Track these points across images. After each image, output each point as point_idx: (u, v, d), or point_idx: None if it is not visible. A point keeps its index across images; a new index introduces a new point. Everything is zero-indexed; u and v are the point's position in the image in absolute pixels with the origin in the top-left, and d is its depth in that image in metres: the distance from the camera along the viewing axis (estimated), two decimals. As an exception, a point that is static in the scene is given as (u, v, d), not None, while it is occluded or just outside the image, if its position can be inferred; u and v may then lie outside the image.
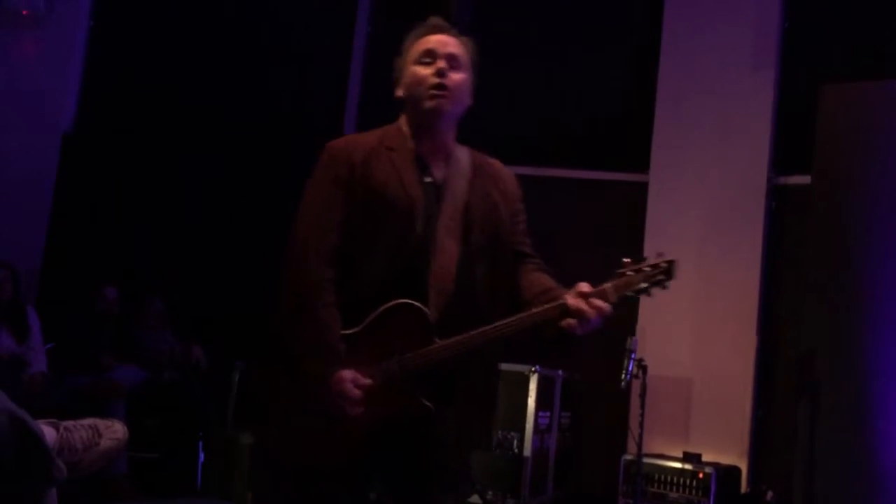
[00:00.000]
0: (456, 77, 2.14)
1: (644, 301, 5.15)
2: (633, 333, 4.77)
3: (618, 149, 5.75)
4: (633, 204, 5.54)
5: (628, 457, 4.67)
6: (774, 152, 5.36)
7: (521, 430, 4.63)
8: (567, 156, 5.79)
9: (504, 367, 4.73)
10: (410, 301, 2.03)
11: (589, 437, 5.37)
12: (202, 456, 4.70)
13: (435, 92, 2.11)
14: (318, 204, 2.11)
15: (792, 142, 5.28)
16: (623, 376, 4.18)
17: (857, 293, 4.41)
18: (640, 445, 4.43)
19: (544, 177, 5.68)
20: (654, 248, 5.13)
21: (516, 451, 4.61)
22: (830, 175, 4.61)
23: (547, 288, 2.17)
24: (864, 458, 4.20)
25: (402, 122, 2.20)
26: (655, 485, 4.66)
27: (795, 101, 5.27)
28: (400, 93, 2.18)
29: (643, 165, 5.59)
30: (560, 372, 4.96)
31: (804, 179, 4.88)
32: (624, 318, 5.26)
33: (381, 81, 5.88)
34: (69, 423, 1.86)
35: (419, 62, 2.15)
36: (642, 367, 4.39)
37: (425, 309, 2.04)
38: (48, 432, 1.77)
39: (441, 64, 2.12)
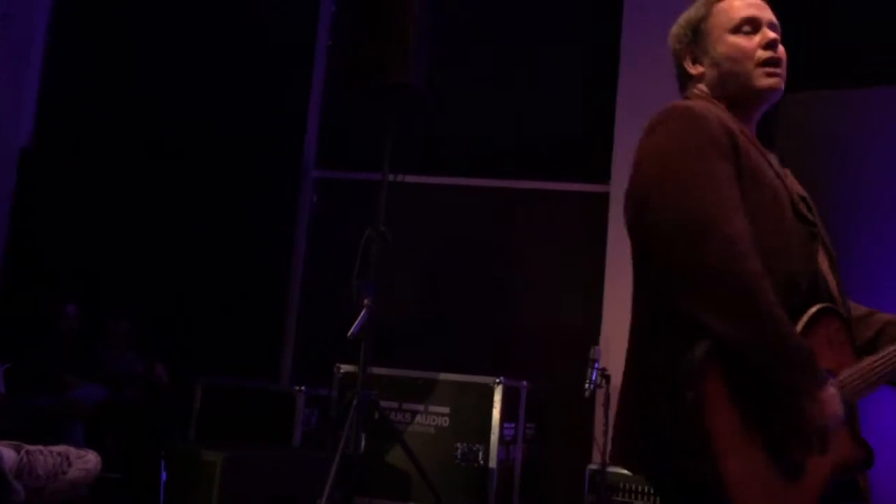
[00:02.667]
0: (783, 50, 1.84)
1: (608, 311, 5.26)
2: (596, 343, 4.81)
3: (579, 160, 5.80)
4: (595, 214, 5.58)
5: (593, 466, 4.70)
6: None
7: (486, 441, 4.64)
8: (528, 167, 5.83)
9: (467, 378, 4.74)
10: (833, 306, 1.67)
11: (554, 447, 5.38)
12: (164, 475, 4.65)
13: (771, 69, 1.79)
14: (714, 178, 1.58)
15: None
16: (587, 386, 4.21)
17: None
18: (604, 455, 4.45)
19: (506, 188, 5.72)
20: (617, 257, 5.28)
21: (481, 462, 4.61)
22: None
23: (871, 311, 1.87)
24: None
25: (710, 102, 1.79)
26: (620, 494, 4.67)
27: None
28: (701, 69, 1.83)
29: (604, 176, 5.63)
30: (525, 383, 4.97)
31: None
32: (588, 327, 5.31)
33: (341, 93, 5.86)
34: (35, 448, 1.82)
35: (738, 31, 1.81)
36: (605, 377, 4.42)
37: (846, 315, 1.70)
38: (7, 454, 1.75)
39: (771, 34, 1.81)
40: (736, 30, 1.81)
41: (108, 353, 5.22)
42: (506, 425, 4.73)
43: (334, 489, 3.68)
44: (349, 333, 3.93)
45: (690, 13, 1.87)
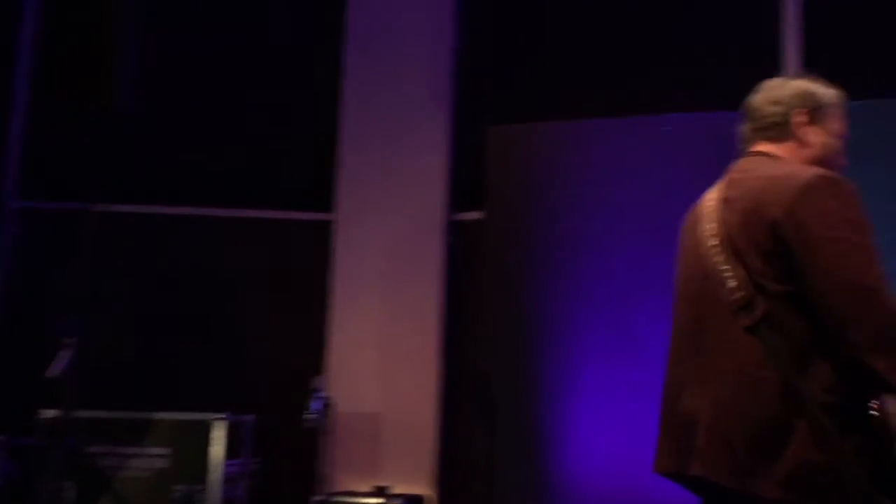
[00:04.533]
0: None
1: (332, 340, 5.25)
2: (319, 372, 4.78)
3: (302, 188, 5.76)
4: (319, 243, 5.56)
5: (318, 497, 4.64)
6: (451, 190, 5.63)
7: (207, 481, 4.45)
8: (248, 195, 5.71)
9: (186, 416, 4.55)
10: None
11: (280, 481, 5.27)
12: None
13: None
14: (874, 253, 1.81)
15: (467, 180, 5.57)
16: (308, 415, 4.16)
17: (528, 319, 4.72)
18: (327, 484, 4.42)
19: (225, 217, 5.58)
20: (342, 286, 5.29)
21: (203, 503, 4.43)
22: (500, 210, 4.93)
23: None
24: (542, 482, 4.47)
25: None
26: (347, 523, 4.66)
27: (470, 142, 5.56)
28: (813, 137, 2.08)
29: (328, 205, 5.64)
30: (249, 417, 4.83)
31: (479, 215, 5.19)
32: (311, 357, 5.26)
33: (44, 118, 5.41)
34: None
35: (839, 137, 2.12)
36: (328, 406, 4.39)
37: None
38: None
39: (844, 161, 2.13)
40: (839, 135, 2.11)
41: None
42: (229, 462, 4.57)
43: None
44: (48, 373, 3.65)
45: (816, 89, 2.11)
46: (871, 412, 1.73)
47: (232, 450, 4.61)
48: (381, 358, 5.38)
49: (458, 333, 5.42)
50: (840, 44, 4.93)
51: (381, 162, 5.61)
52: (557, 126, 5.07)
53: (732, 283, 1.87)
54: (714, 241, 1.95)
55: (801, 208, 1.83)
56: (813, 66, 4.97)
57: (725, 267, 1.89)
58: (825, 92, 2.11)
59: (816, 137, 2.06)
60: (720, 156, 4.57)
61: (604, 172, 4.80)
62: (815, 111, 2.08)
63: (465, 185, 5.61)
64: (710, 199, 2.08)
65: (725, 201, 2.01)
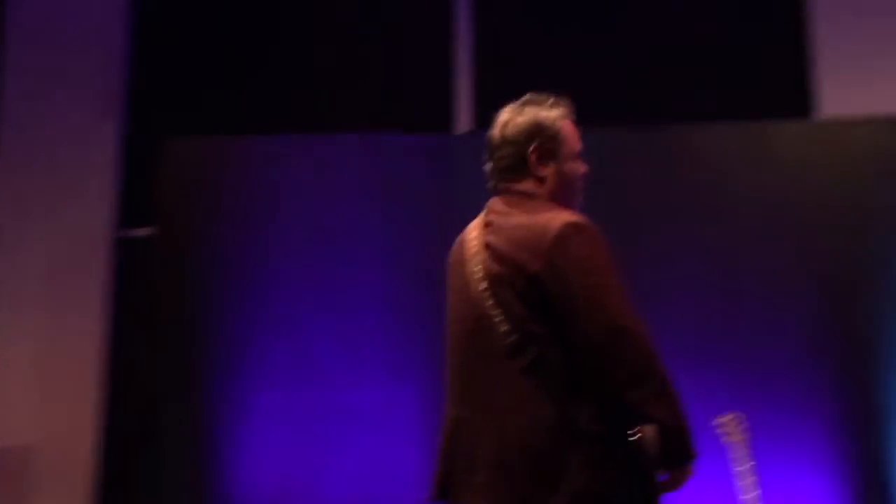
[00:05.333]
0: None
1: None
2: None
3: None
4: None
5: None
6: (120, 204, 5.27)
7: None
8: None
9: None
10: None
11: None
12: None
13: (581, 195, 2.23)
14: (624, 291, 2.00)
15: (138, 193, 5.25)
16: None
17: (201, 340, 4.55)
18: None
19: None
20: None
21: None
22: (172, 226, 4.70)
23: None
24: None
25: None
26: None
27: (142, 156, 5.24)
28: (548, 172, 2.16)
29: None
30: None
31: (150, 231, 4.90)
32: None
33: None
34: None
35: (577, 158, 2.22)
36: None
37: None
38: None
39: (585, 167, 2.24)
40: (577, 157, 2.22)
41: None
42: None
43: None
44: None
45: (556, 124, 2.19)
46: (632, 440, 1.95)
47: None
48: (38, 385, 4.91)
49: (127, 355, 5.08)
50: (510, 81, 5.27)
51: (43, 172, 5.14)
52: (235, 141, 4.95)
53: (504, 328, 2.00)
54: (483, 286, 2.05)
55: (557, 260, 1.99)
56: (485, 102, 5.31)
57: (496, 312, 2.01)
58: (554, 117, 2.20)
59: (551, 170, 2.17)
60: (391, 177, 4.75)
61: (282, 189, 4.75)
62: (547, 144, 2.17)
63: (135, 200, 5.29)
64: (473, 238, 2.16)
65: (487, 247, 2.10)
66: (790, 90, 5.06)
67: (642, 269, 3.95)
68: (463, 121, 5.30)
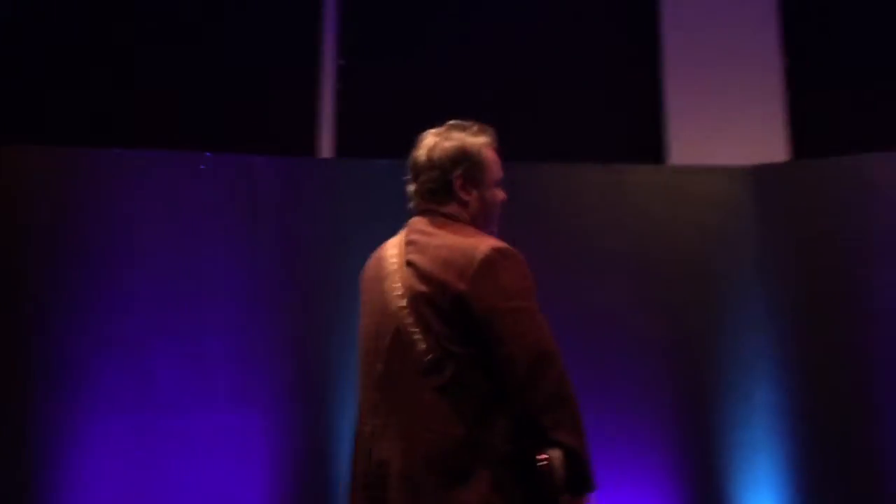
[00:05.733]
0: None
1: None
2: None
3: None
4: None
5: None
6: None
7: None
8: None
9: None
10: None
11: None
12: None
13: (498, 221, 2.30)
14: (541, 316, 2.08)
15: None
16: None
17: (32, 363, 4.28)
18: None
19: None
20: None
21: None
22: (3, 239, 4.40)
23: None
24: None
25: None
26: None
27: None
28: (471, 197, 2.24)
29: None
30: None
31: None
32: None
33: None
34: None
35: (498, 185, 2.30)
36: None
37: None
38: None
39: (504, 195, 2.32)
40: (497, 184, 2.30)
41: None
42: None
43: None
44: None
45: (480, 152, 2.25)
46: (540, 463, 1.97)
47: None
48: None
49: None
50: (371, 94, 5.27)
51: None
52: (80, 152, 4.67)
53: (422, 346, 2.03)
54: (402, 303, 2.07)
55: (483, 282, 2.03)
56: (348, 129, 5.28)
57: (415, 329, 2.04)
58: (480, 144, 2.28)
59: (474, 196, 2.25)
60: (248, 199, 4.62)
61: (130, 206, 4.53)
62: (470, 170, 2.24)
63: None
64: (392, 256, 2.19)
65: (409, 264, 2.13)
66: (646, 137, 5.29)
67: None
68: (325, 147, 5.25)
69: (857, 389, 4.46)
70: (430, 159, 2.24)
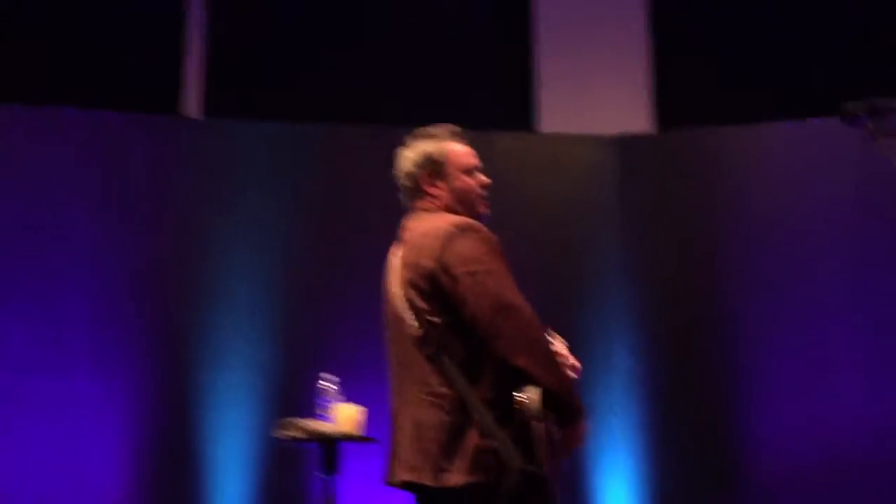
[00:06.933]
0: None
1: None
2: None
3: None
4: None
5: None
6: None
7: None
8: None
9: None
10: None
11: None
12: None
13: (485, 202, 2.56)
14: (508, 276, 2.33)
15: None
16: None
17: None
18: None
19: None
20: None
21: None
22: None
23: None
24: None
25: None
26: None
27: None
28: (439, 189, 2.52)
29: None
30: None
31: None
32: None
33: None
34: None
35: (470, 172, 2.55)
36: None
37: None
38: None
39: (484, 179, 2.58)
40: (468, 171, 2.55)
41: None
42: None
43: None
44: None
45: (433, 150, 2.55)
46: (518, 401, 2.21)
47: None
48: None
49: None
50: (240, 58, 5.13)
51: None
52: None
53: (413, 323, 2.36)
54: (399, 291, 2.42)
55: (445, 255, 2.35)
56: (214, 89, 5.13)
57: (407, 311, 2.37)
58: (434, 142, 2.60)
59: (443, 190, 2.57)
60: (109, 156, 4.45)
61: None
62: (434, 171, 2.57)
63: None
64: (394, 254, 2.53)
65: (402, 259, 2.47)
66: (516, 104, 5.35)
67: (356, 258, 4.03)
68: (191, 106, 5.10)
69: (708, 355, 4.68)
70: (403, 171, 2.61)
